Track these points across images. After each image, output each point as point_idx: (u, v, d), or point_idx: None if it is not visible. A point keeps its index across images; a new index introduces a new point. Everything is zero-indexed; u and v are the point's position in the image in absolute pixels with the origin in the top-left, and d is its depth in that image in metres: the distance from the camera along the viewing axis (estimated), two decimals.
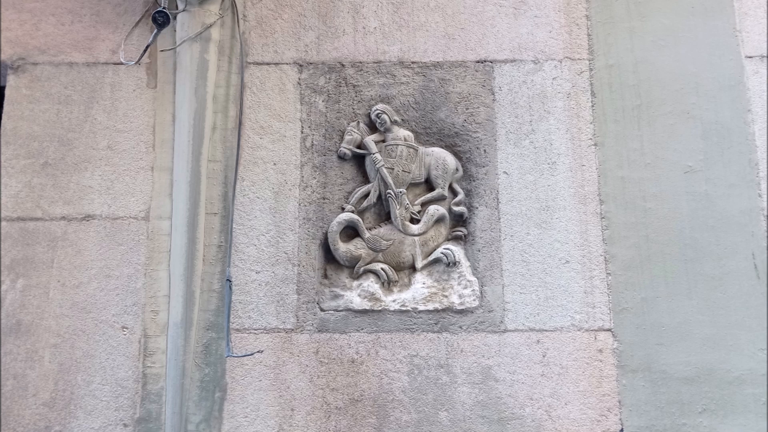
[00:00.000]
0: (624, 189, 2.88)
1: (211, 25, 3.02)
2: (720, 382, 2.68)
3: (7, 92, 3.02)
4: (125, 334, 2.81)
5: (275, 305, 2.82)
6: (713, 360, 2.70)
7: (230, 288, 2.76)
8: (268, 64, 3.08)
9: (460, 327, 2.79)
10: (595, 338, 2.75)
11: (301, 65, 3.07)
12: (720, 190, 2.85)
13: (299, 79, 3.05)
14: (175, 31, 3.04)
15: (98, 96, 3.04)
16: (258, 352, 2.72)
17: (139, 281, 2.85)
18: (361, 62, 3.07)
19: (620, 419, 2.68)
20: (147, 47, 2.88)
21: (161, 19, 2.77)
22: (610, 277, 2.81)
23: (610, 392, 2.70)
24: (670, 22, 3.02)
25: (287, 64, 3.07)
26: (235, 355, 2.70)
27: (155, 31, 2.81)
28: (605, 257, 2.83)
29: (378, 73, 3.05)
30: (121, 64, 3.06)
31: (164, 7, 2.83)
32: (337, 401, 2.72)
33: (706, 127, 2.92)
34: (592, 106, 2.98)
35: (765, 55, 2.99)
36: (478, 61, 3.05)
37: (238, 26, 3.08)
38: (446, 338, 2.78)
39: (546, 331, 2.77)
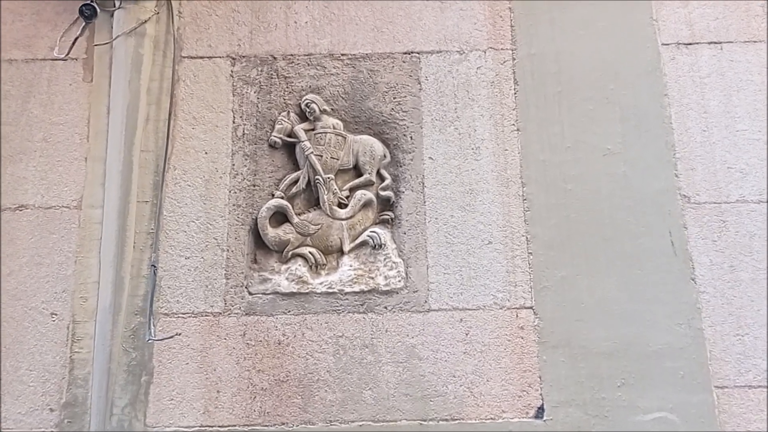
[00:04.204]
0: (545, 172, 2.95)
1: (146, 21, 3.12)
2: (638, 356, 2.72)
3: None
4: (54, 321, 2.84)
5: (203, 290, 2.86)
6: (631, 335, 2.74)
7: (155, 273, 2.82)
8: (201, 57, 3.16)
9: (386, 307, 2.84)
10: (517, 316, 2.80)
11: (234, 58, 3.15)
12: (638, 172, 2.92)
13: (232, 71, 3.14)
14: (112, 27, 3.14)
15: (35, 91, 3.13)
16: (177, 334, 2.76)
17: (69, 268, 2.89)
18: (292, 55, 3.16)
19: (541, 395, 2.71)
20: (75, 39, 2.99)
21: (88, 12, 2.88)
22: (531, 257, 2.86)
23: (531, 368, 2.74)
24: (589, 12, 3.13)
25: (220, 57, 3.16)
26: (154, 338, 2.73)
27: (83, 23, 2.90)
28: (527, 237, 2.89)
29: (309, 65, 3.14)
30: (60, 60, 3.14)
31: (92, 1, 2.91)
32: (263, 382, 2.75)
33: (624, 111, 3.00)
34: (515, 93, 3.07)
35: (681, 42, 3.10)
36: (405, 53, 3.15)
37: (173, 22, 3.17)
38: (371, 319, 2.82)
39: (469, 309, 2.81)
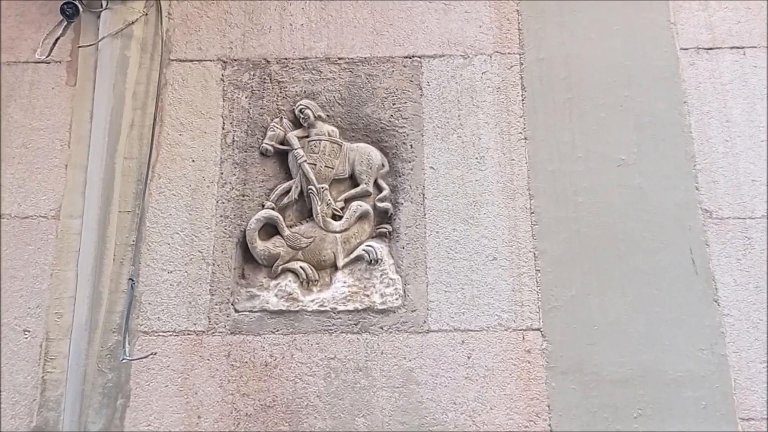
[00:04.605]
0: (554, 183, 2.77)
1: (133, 22, 3.00)
2: (657, 385, 2.52)
3: None
4: (26, 338, 2.68)
5: (186, 306, 2.69)
6: (649, 361, 2.54)
7: (132, 288, 2.65)
8: (191, 61, 3.02)
9: (381, 328, 2.64)
10: (523, 338, 2.60)
11: (225, 62, 3.00)
12: (654, 183, 2.74)
13: (223, 75, 2.98)
14: (98, 29, 3.00)
15: (16, 94, 3.00)
16: (152, 354, 2.58)
17: (44, 282, 2.73)
18: (286, 58, 3.01)
19: (549, 425, 2.50)
20: (56, 39, 2.86)
21: (70, 11, 2.75)
22: (539, 274, 2.67)
23: (539, 396, 2.54)
24: (602, 14, 2.96)
25: (211, 60, 3.01)
26: (128, 358, 2.54)
27: (65, 23, 2.76)
28: (534, 253, 2.70)
29: (304, 69, 2.98)
30: (43, 62, 3.01)
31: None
32: (247, 407, 2.55)
33: (640, 119, 2.82)
34: (523, 100, 2.89)
35: (701, 46, 2.91)
36: (406, 57, 2.98)
37: (161, 23, 3.03)
38: (366, 339, 2.63)
39: (471, 331, 2.62)
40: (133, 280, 2.66)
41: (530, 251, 2.70)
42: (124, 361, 2.56)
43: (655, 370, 2.53)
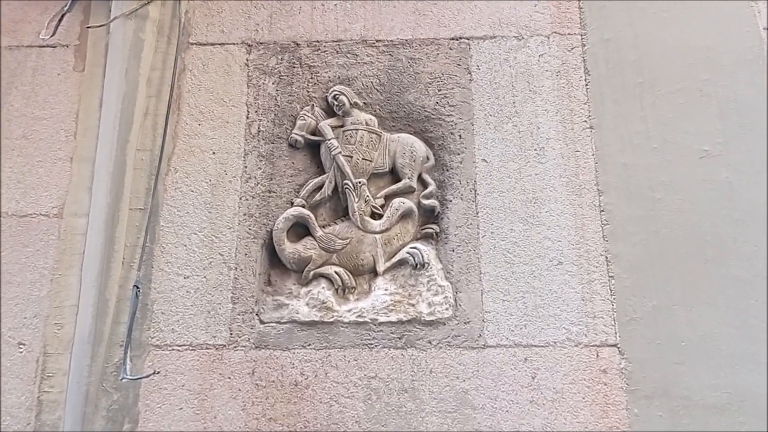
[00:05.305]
0: (627, 177, 2.50)
1: (148, 2, 2.79)
2: (758, 411, 2.22)
3: None
4: (21, 352, 2.43)
5: (205, 316, 2.44)
6: (748, 383, 2.24)
7: (137, 296, 2.37)
8: (213, 44, 2.80)
9: (430, 342, 2.37)
10: (597, 355, 2.31)
11: (250, 45, 2.79)
12: (743, 178, 2.46)
13: (247, 60, 2.76)
14: (110, 10, 2.78)
15: (18, 81, 2.80)
16: (155, 373, 2.31)
17: (43, 289, 2.50)
18: (318, 41, 2.78)
19: None
20: (62, 17, 2.65)
21: None
22: (613, 281, 2.38)
23: (619, 423, 2.24)
24: None
25: (234, 44, 2.80)
26: (127, 377, 2.26)
27: None
28: (606, 257, 2.42)
29: (337, 52, 2.75)
30: (48, 47, 2.80)
31: None
32: None
33: (723, 105, 2.55)
34: (586, 84, 2.63)
35: None
36: (452, 38, 2.74)
37: (180, 4, 2.81)
38: (412, 356, 2.36)
39: (535, 346, 2.34)
40: (138, 287, 2.38)
41: (601, 254, 2.42)
42: (123, 380, 2.26)
43: (755, 393, 2.23)
